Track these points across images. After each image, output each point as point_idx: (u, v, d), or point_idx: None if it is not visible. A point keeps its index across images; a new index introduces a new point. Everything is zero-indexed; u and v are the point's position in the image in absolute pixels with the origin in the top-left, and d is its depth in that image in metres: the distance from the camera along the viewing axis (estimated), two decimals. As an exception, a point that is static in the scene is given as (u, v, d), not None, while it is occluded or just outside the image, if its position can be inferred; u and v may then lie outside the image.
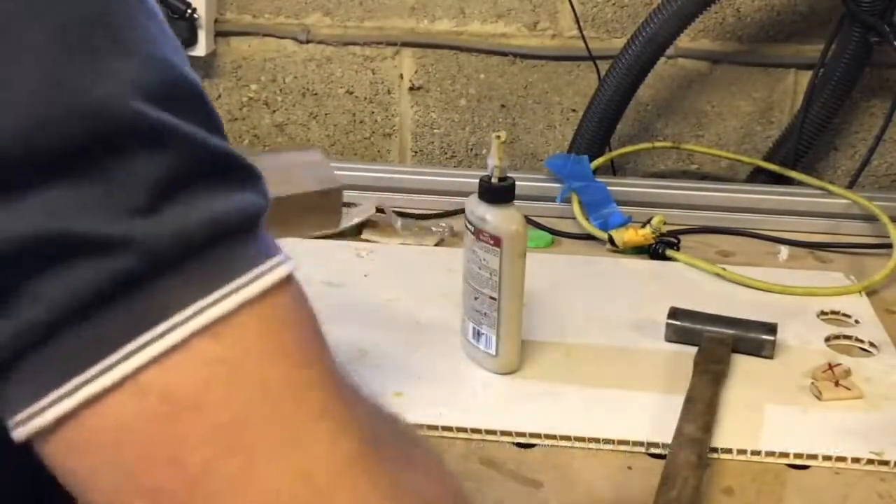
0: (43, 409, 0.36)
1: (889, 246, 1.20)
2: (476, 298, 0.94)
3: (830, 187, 1.36)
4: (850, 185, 1.42)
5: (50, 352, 0.36)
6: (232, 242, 0.38)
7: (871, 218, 1.29)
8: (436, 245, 1.23)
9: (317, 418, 0.38)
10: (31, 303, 0.35)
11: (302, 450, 0.38)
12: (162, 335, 0.36)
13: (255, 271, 0.38)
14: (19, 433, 0.37)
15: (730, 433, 0.87)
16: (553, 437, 0.86)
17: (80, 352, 0.36)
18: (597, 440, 0.86)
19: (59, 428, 0.37)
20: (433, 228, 1.26)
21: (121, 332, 0.36)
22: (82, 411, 0.36)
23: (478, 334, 0.95)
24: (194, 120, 0.38)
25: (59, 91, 0.35)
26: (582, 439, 0.86)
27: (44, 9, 0.36)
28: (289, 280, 0.39)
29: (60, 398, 0.36)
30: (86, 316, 0.36)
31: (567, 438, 0.86)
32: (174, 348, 0.36)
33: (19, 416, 0.37)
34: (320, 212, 0.80)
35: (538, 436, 0.86)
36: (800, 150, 1.44)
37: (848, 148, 1.52)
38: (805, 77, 1.46)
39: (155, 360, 0.36)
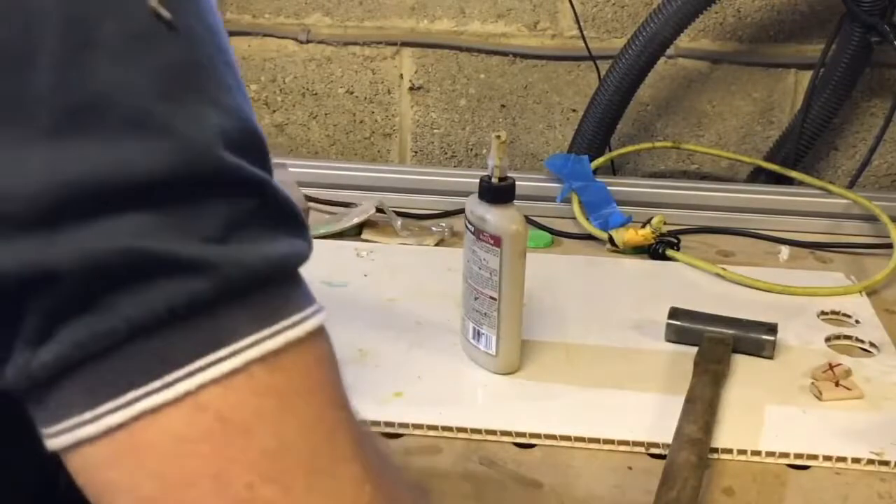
0: (96, 418, 0.37)
1: (889, 246, 1.20)
2: (476, 298, 0.94)
3: (831, 187, 1.36)
4: (851, 185, 1.42)
5: (113, 362, 0.37)
6: (286, 282, 0.41)
7: (871, 218, 1.29)
8: (436, 245, 1.23)
9: (346, 460, 0.41)
10: (107, 313, 0.37)
11: (333, 488, 0.40)
12: (224, 359, 0.38)
13: (305, 312, 0.41)
14: (60, 441, 0.38)
15: (730, 433, 0.87)
16: (553, 437, 0.86)
17: (144, 365, 0.37)
18: (597, 440, 0.86)
19: (104, 438, 0.38)
20: (433, 228, 1.26)
21: (186, 351, 0.38)
22: (135, 423, 0.37)
23: (478, 334, 0.95)
24: (261, 167, 0.41)
25: (150, 129, 0.38)
26: (582, 439, 0.86)
27: (141, 54, 0.38)
28: (323, 327, 0.42)
29: (116, 408, 0.37)
30: (155, 332, 0.37)
31: (567, 438, 0.86)
32: (234, 372, 0.38)
33: (65, 424, 0.38)
34: None
35: (538, 436, 0.86)
36: (800, 150, 1.44)
37: (848, 148, 1.52)
38: (805, 77, 1.46)
39: (215, 382, 0.38)
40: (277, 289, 0.40)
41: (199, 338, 0.38)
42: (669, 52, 1.41)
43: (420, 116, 1.55)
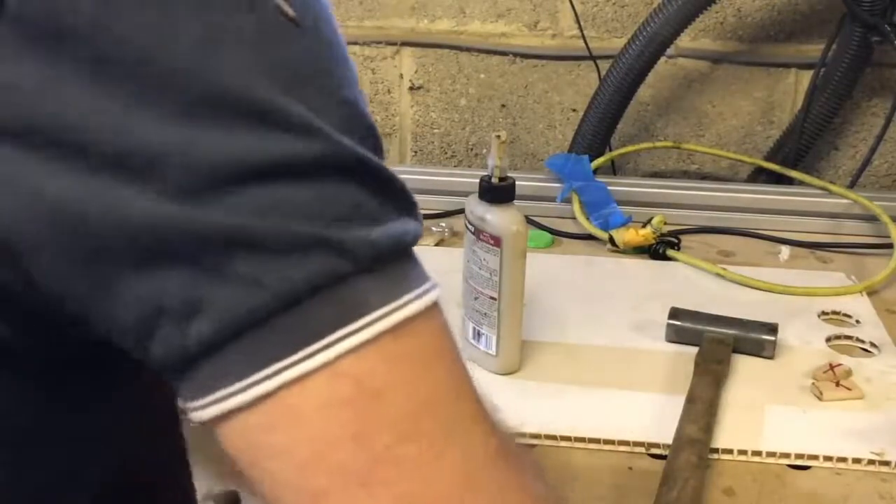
0: (245, 388, 0.40)
1: (890, 246, 1.20)
2: (476, 298, 0.94)
3: (831, 187, 1.36)
4: (851, 185, 1.42)
5: (260, 335, 0.40)
6: (407, 259, 0.44)
7: (871, 218, 1.29)
8: (436, 245, 1.23)
9: (471, 420, 0.44)
10: (253, 287, 0.40)
11: (462, 445, 0.43)
12: (359, 330, 0.41)
13: (426, 286, 0.44)
14: (209, 412, 0.41)
15: (730, 433, 0.87)
16: (553, 437, 0.86)
17: (287, 337, 0.40)
18: (597, 440, 0.86)
19: (254, 407, 0.40)
20: (433, 228, 1.26)
21: (324, 324, 0.40)
22: (280, 392, 0.40)
23: (478, 334, 0.95)
24: (380, 156, 0.44)
25: (275, 122, 0.40)
26: (582, 439, 0.86)
27: (268, 49, 0.41)
28: (438, 301, 0.45)
29: (264, 378, 0.40)
30: (296, 306, 0.40)
31: (567, 438, 0.86)
32: (368, 342, 0.41)
33: (216, 395, 0.40)
34: None
35: (538, 436, 0.86)
36: (801, 150, 1.44)
37: (849, 148, 1.52)
38: (806, 77, 1.46)
39: (351, 351, 0.40)
40: (399, 265, 0.43)
41: (334, 311, 0.40)
42: (670, 51, 1.41)
43: (420, 116, 1.55)
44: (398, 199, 0.44)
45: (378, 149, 0.44)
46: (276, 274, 0.40)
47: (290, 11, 0.41)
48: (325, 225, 0.40)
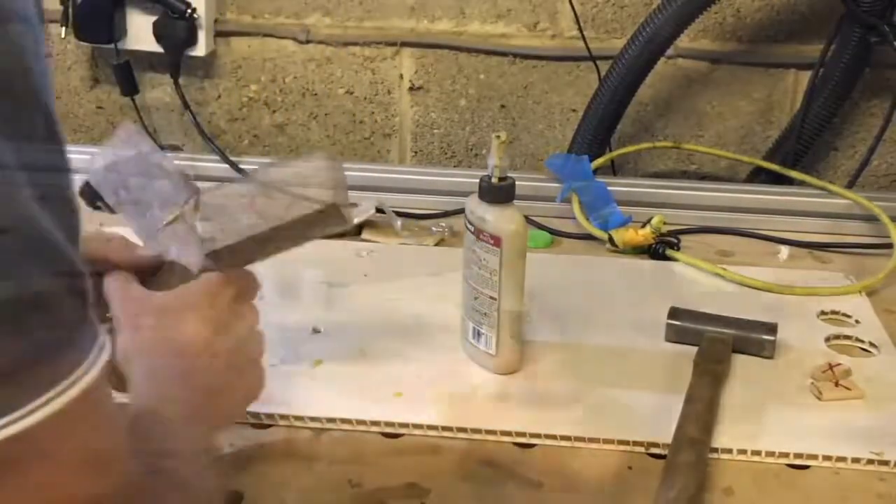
0: None
1: (889, 246, 1.20)
2: (476, 298, 0.94)
3: (830, 187, 1.36)
4: (850, 185, 1.42)
5: None
6: (63, 351, 0.47)
7: (871, 218, 1.29)
8: (436, 245, 1.23)
9: None
10: None
11: None
12: (7, 425, 0.45)
13: (70, 379, 0.46)
14: None
15: (730, 433, 0.87)
16: (553, 437, 0.86)
17: None
18: (597, 440, 0.86)
19: None
20: (433, 228, 1.26)
21: None
22: None
23: (478, 334, 0.95)
24: (74, 220, 0.48)
25: None
26: (582, 439, 0.86)
27: None
28: (98, 379, 0.48)
29: None
30: None
31: (567, 438, 0.86)
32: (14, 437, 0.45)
33: None
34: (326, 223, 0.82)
35: (538, 436, 0.86)
36: (800, 150, 1.44)
37: (848, 148, 1.52)
38: (805, 77, 1.46)
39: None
40: (48, 364, 0.46)
41: None
42: (669, 52, 1.41)
43: (420, 116, 1.55)
44: (77, 286, 0.47)
45: (72, 213, 0.47)
46: None
47: None
48: None
